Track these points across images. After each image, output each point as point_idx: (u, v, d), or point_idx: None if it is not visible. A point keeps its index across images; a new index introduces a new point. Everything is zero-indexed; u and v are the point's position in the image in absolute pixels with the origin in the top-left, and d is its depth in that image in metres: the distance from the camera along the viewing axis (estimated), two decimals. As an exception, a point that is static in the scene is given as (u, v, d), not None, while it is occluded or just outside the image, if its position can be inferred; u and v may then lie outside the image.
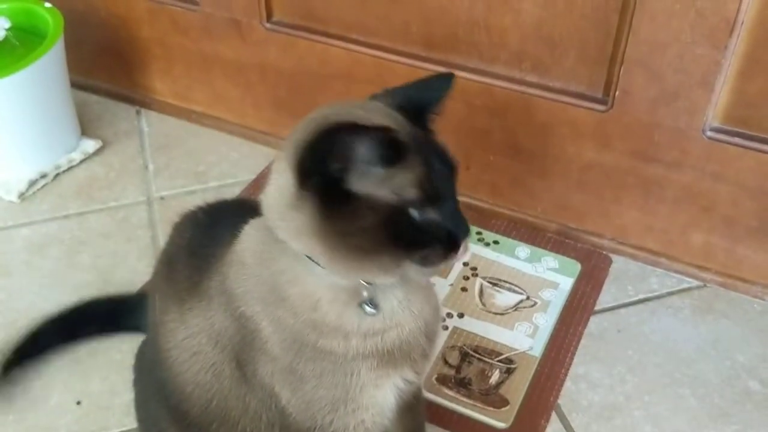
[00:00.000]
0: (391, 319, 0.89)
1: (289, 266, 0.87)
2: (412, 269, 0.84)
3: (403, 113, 0.86)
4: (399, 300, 0.90)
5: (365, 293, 0.87)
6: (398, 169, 0.79)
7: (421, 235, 0.81)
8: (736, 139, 1.36)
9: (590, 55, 1.41)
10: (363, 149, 0.77)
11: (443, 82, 0.91)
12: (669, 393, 1.34)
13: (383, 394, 0.92)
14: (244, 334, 0.91)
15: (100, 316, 1.40)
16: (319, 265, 0.84)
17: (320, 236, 0.81)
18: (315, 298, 0.86)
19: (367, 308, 0.87)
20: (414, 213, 0.80)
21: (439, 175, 0.82)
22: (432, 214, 0.81)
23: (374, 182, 0.79)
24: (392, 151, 0.78)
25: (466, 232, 0.83)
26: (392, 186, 0.79)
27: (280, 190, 0.84)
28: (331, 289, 0.86)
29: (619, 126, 1.44)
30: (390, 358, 0.90)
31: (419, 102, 0.88)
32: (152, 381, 1.06)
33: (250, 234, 0.92)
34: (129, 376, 1.20)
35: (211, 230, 1.03)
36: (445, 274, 1.53)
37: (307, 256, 0.84)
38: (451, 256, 0.83)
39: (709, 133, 1.37)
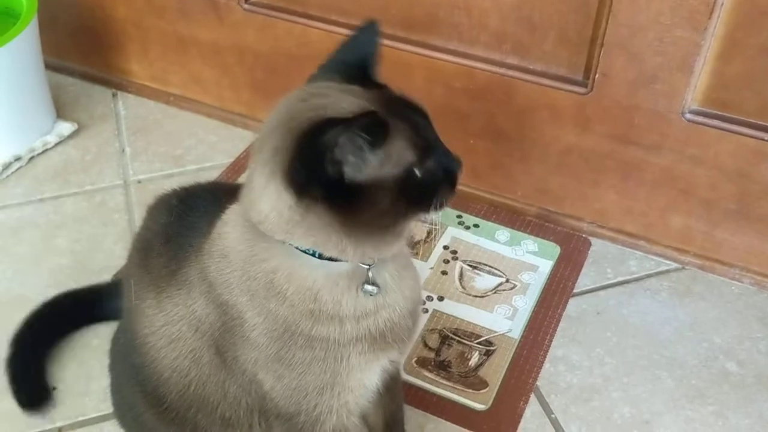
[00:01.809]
0: (384, 298, 0.89)
1: (281, 263, 0.86)
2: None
3: (353, 81, 0.85)
4: (391, 275, 0.90)
5: (370, 274, 0.87)
6: (390, 142, 0.78)
7: (428, 186, 0.82)
8: (715, 122, 1.36)
9: (570, 38, 1.40)
10: (351, 143, 0.75)
11: (368, 32, 0.89)
12: (647, 375, 1.35)
13: (370, 376, 0.92)
14: (225, 320, 0.90)
15: (76, 311, 1.38)
16: (330, 258, 0.84)
17: (343, 233, 0.81)
18: (315, 290, 0.86)
19: (369, 288, 0.87)
20: (417, 171, 0.80)
21: (420, 125, 0.82)
22: (429, 164, 0.81)
23: (375, 165, 0.78)
24: (379, 129, 0.77)
25: (460, 163, 0.84)
26: (391, 160, 0.79)
27: (276, 206, 0.80)
28: (330, 277, 0.86)
29: (598, 109, 1.44)
30: (381, 340, 0.90)
31: (360, 63, 0.87)
32: (127, 366, 1.06)
33: (230, 233, 0.90)
34: (106, 361, 1.18)
35: (186, 217, 1.01)
36: (425, 258, 1.53)
37: (303, 250, 0.83)
38: (455, 189, 0.85)
39: (688, 116, 1.38)
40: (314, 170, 0.76)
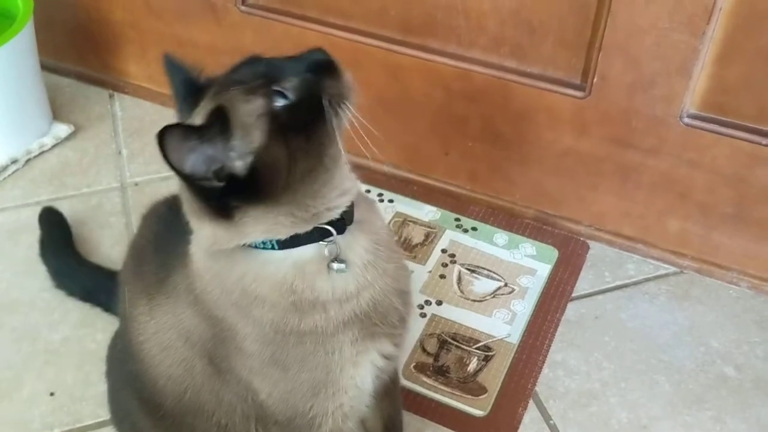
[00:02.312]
0: (365, 276, 0.88)
1: (246, 268, 0.87)
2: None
3: (197, 102, 0.86)
4: (366, 250, 0.89)
5: (326, 252, 0.86)
6: (233, 116, 0.78)
7: (307, 97, 0.80)
8: (713, 126, 1.36)
9: (569, 41, 1.40)
10: (207, 151, 0.77)
11: (170, 64, 0.90)
12: (645, 379, 1.35)
13: (361, 374, 0.92)
14: (216, 332, 0.91)
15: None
16: (289, 245, 0.84)
17: (282, 205, 0.82)
18: (288, 282, 0.86)
19: (336, 265, 0.87)
20: (282, 101, 0.79)
21: (248, 73, 0.82)
22: (289, 82, 0.80)
23: (243, 142, 0.78)
24: (217, 119, 0.78)
25: (318, 49, 0.83)
26: (249, 125, 0.78)
27: (219, 231, 0.84)
28: (297, 266, 0.86)
29: (596, 112, 1.43)
30: (369, 323, 0.90)
31: (186, 87, 0.88)
32: (124, 373, 1.06)
33: (197, 253, 0.92)
34: (103, 366, 1.18)
35: (173, 224, 1.02)
36: (423, 261, 1.53)
37: (262, 247, 0.85)
38: (343, 74, 0.83)
39: (686, 120, 1.37)
40: (214, 193, 0.79)
